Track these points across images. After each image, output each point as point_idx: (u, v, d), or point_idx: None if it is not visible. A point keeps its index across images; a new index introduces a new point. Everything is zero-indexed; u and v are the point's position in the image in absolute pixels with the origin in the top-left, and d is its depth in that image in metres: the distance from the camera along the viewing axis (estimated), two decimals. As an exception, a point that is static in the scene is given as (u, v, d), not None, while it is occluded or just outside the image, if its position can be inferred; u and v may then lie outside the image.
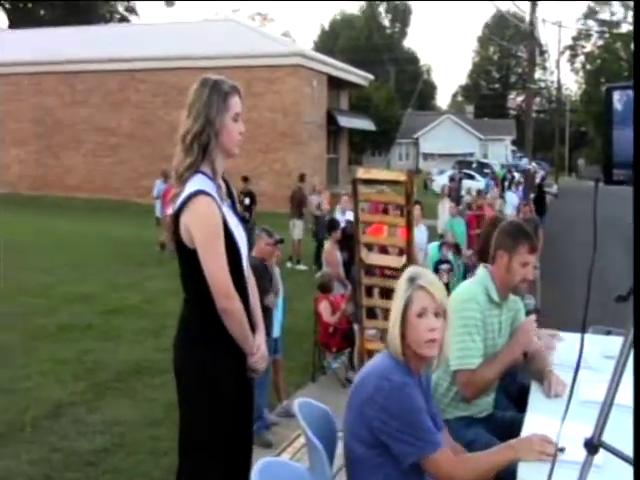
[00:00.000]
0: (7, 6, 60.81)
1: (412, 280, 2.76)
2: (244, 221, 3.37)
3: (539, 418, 3.09)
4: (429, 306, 2.72)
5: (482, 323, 3.59)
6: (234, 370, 3.17)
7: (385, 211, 9.65)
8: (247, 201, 15.57)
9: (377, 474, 2.73)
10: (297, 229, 15.69)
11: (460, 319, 3.53)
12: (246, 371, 3.22)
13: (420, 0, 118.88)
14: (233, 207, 3.29)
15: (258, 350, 3.22)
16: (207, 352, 3.14)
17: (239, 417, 3.22)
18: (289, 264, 14.71)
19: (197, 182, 3.04)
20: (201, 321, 3.15)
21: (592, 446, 1.85)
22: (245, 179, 16.24)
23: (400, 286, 2.79)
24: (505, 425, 3.55)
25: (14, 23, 55.40)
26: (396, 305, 2.76)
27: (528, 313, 3.69)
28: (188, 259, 3.08)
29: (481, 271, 3.81)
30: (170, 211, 3.13)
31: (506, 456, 2.74)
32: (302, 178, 17.34)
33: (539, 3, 30.31)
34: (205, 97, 3.11)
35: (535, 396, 3.46)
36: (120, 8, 66.10)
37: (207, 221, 3.01)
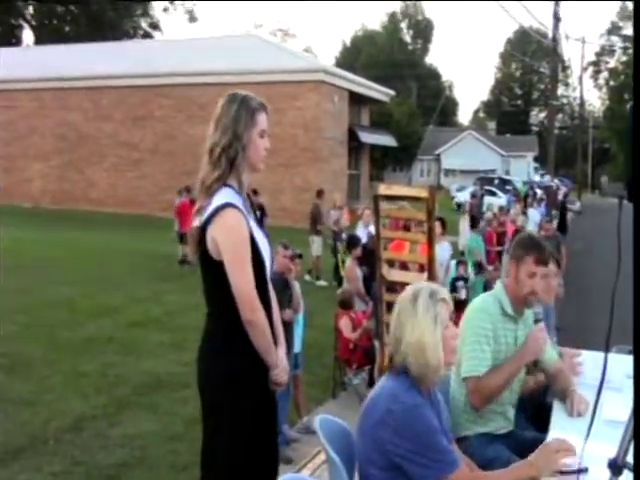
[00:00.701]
0: (33, 23, 61.59)
1: (433, 295, 2.78)
2: (268, 236, 3.36)
3: (562, 437, 3.07)
4: (449, 317, 2.76)
5: (493, 334, 3.59)
6: (258, 382, 3.17)
7: (406, 227, 9.63)
8: (259, 214, 15.55)
9: None
10: (315, 245, 15.65)
11: (471, 328, 3.59)
12: (268, 384, 3.21)
13: (442, 16, 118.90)
14: (258, 221, 3.31)
15: (280, 363, 3.22)
16: (231, 364, 3.15)
17: (262, 430, 3.21)
18: (307, 277, 14.70)
19: (225, 195, 3.08)
20: (225, 333, 3.16)
21: (616, 467, 1.83)
22: (255, 192, 16.20)
23: (422, 304, 2.76)
24: (526, 443, 3.50)
25: (40, 39, 56.09)
26: (429, 326, 2.73)
27: (536, 322, 3.68)
28: (214, 271, 3.10)
29: (497, 285, 3.84)
30: (197, 223, 3.15)
31: (525, 473, 2.71)
32: (319, 194, 17.21)
33: (562, 19, 30.21)
34: (233, 112, 3.16)
35: (558, 415, 3.43)
36: (143, 24, 66.71)
37: (235, 233, 3.04)
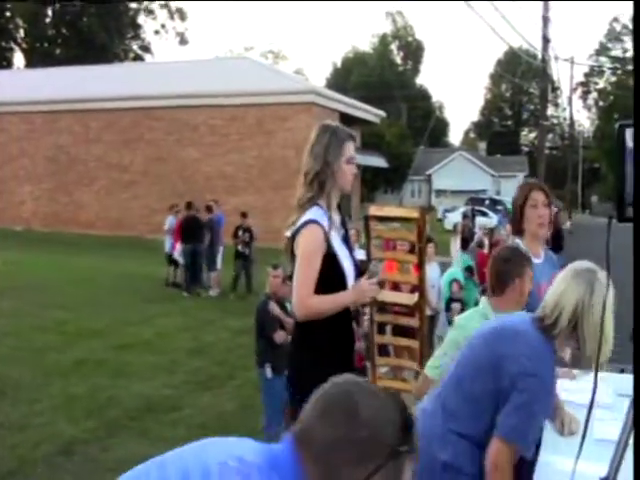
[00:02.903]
0: (24, 46, 61.78)
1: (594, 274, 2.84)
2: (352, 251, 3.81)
3: (553, 456, 3.06)
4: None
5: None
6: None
7: (396, 248, 9.61)
8: (247, 237, 15.61)
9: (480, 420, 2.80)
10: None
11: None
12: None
13: (432, 37, 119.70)
14: (345, 238, 3.74)
15: (358, 288, 3.60)
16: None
17: None
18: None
19: (312, 212, 3.56)
20: (313, 341, 3.60)
21: (607, 485, 1.83)
22: (244, 215, 16.20)
23: (599, 291, 2.76)
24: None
25: (31, 62, 56.25)
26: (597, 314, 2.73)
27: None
28: None
29: (482, 301, 3.88)
30: (288, 234, 3.67)
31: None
32: None
33: (551, 40, 30.41)
34: (325, 141, 3.61)
35: (548, 434, 3.42)
36: (135, 47, 67.00)
37: (308, 243, 3.52)
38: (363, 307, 4.47)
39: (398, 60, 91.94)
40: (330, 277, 3.54)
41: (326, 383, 1.57)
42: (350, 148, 3.66)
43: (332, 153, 3.58)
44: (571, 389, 3.99)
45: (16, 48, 63.18)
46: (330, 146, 3.59)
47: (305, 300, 3.50)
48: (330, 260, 3.55)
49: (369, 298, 3.71)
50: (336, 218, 3.68)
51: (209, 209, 16.43)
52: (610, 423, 3.09)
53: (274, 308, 6.35)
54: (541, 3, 29.94)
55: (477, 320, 3.66)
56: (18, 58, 64.25)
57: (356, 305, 3.71)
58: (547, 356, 2.78)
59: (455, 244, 15.35)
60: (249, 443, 1.63)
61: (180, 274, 16.41)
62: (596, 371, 2.01)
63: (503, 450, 2.69)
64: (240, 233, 15.66)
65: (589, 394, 1.97)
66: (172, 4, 65.37)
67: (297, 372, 3.66)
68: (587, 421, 1.99)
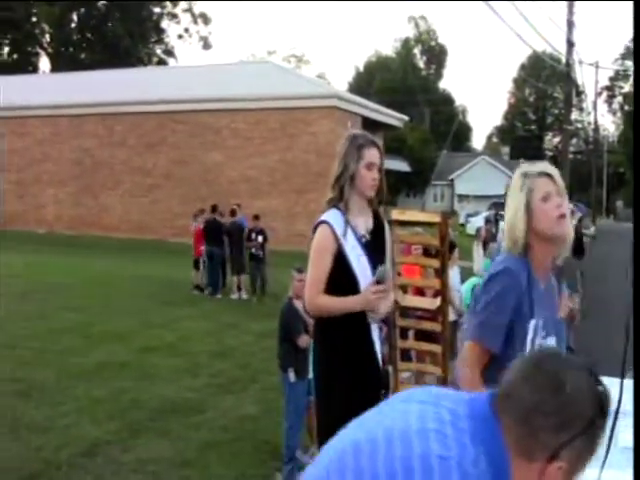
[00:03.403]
0: (50, 51, 62.33)
1: (526, 173, 2.82)
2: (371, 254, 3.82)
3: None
4: (552, 189, 2.75)
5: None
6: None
7: (410, 252, 9.57)
8: (260, 239, 15.65)
9: None
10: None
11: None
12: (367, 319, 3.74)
13: (455, 41, 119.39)
14: (370, 242, 3.81)
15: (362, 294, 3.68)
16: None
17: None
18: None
19: (328, 214, 3.77)
20: (328, 339, 3.77)
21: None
22: (256, 217, 16.26)
23: (515, 183, 2.83)
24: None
25: (56, 67, 56.74)
26: (515, 200, 2.80)
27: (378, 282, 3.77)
28: None
29: None
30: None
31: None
32: None
33: (575, 44, 30.26)
34: (345, 148, 3.81)
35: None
36: (158, 51, 67.32)
37: (317, 243, 3.73)
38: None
39: (421, 64, 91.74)
40: (339, 278, 3.68)
41: (534, 352, 1.72)
42: (371, 154, 3.78)
43: (350, 158, 3.75)
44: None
45: (42, 53, 63.77)
46: (349, 151, 3.77)
47: (313, 299, 3.69)
48: (341, 262, 3.68)
49: (383, 308, 3.76)
50: (359, 222, 3.78)
51: (233, 213, 16.55)
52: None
53: (300, 307, 6.35)
54: (565, 6, 29.81)
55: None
56: (44, 62, 64.90)
57: (367, 310, 3.72)
58: (512, 265, 2.77)
59: (478, 249, 15.27)
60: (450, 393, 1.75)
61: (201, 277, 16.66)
62: (622, 378, 1.99)
63: (469, 347, 2.80)
64: (253, 236, 15.71)
65: (615, 402, 1.95)
66: (195, 8, 65.67)
67: (316, 368, 3.91)
68: (612, 429, 1.98)
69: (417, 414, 1.60)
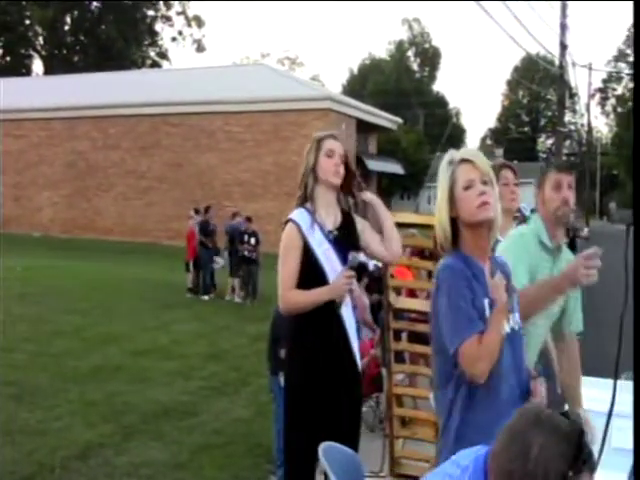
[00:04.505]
0: (43, 53, 62.24)
1: (451, 161, 2.75)
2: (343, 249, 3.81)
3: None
4: (475, 177, 2.68)
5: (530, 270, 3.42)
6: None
7: (413, 254, 9.56)
8: (253, 241, 15.69)
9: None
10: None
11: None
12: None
13: (449, 44, 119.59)
14: (339, 237, 3.81)
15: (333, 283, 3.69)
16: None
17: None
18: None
19: (295, 213, 3.82)
20: (298, 336, 3.83)
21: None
22: (249, 220, 16.29)
23: (441, 173, 2.76)
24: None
25: (49, 70, 56.66)
26: (441, 190, 2.73)
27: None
28: None
29: (532, 218, 3.73)
30: None
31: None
32: None
33: (569, 46, 30.33)
34: (307, 148, 3.93)
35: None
36: (152, 54, 67.30)
37: (284, 241, 3.79)
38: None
39: (415, 67, 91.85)
40: (308, 273, 3.73)
41: (516, 414, 1.77)
42: (328, 143, 3.89)
43: (310, 153, 3.87)
44: (593, 398, 3.97)
45: (35, 55, 63.70)
46: (310, 150, 3.89)
47: (284, 294, 3.75)
48: (309, 257, 3.73)
49: (346, 291, 3.76)
50: (327, 219, 3.83)
51: (234, 216, 16.75)
52: (629, 432, 3.06)
53: None
54: (559, 9, 29.88)
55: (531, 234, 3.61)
56: (37, 65, 64.85)
57: (335, 299, 3.70)
58: (448, 262, 2.69)
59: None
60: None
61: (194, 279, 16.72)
62: (615, 380, 1.99)
63: (467, 347, 2.57)
64: (246, 238, 15.71)
65: (608, 402, 1.95)
66: (189, 11, 65.67)
67: (287, 363, 3.96)
68: (606, 430, 1.98)
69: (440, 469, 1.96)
